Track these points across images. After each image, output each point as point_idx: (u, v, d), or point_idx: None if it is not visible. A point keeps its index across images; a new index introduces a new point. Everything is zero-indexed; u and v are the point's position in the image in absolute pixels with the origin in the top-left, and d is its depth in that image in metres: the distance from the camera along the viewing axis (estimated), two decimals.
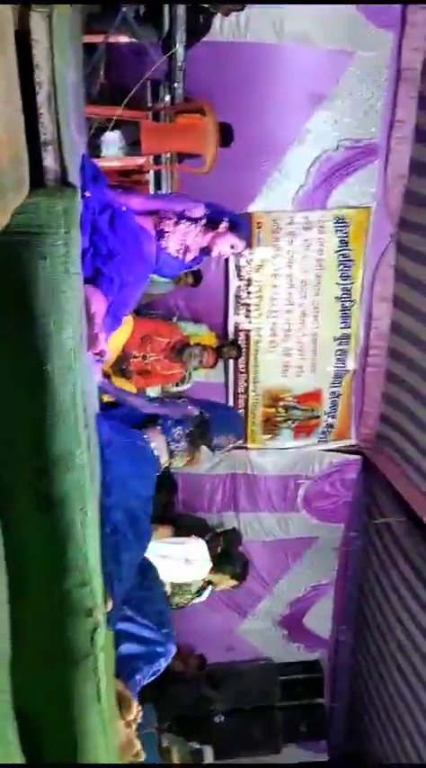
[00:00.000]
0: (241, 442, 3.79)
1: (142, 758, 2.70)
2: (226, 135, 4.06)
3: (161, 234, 2.83)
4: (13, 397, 1.72)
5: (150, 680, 2.91)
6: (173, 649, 2.98)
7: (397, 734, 5.85)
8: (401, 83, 4.75)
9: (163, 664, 2.95)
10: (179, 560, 3.76)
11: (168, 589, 3.72)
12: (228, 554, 4.35)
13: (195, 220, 2.89)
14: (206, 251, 2.91)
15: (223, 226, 2.99)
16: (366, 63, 4.74)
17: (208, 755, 6.21)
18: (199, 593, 3.87)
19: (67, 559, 1.85)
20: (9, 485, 1.78)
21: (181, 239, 2.85)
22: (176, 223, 2.87)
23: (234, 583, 4.02)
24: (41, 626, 1.92)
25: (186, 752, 5.90)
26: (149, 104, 4.10)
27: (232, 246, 3.02)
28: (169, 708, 5.54)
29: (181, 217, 2.88)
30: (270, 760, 6.98)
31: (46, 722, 1.96)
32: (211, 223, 2.88)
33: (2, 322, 1.63)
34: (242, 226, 3.11)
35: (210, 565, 3.91)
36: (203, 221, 2.88)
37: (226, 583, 3.99)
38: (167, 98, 4.03)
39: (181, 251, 2.87)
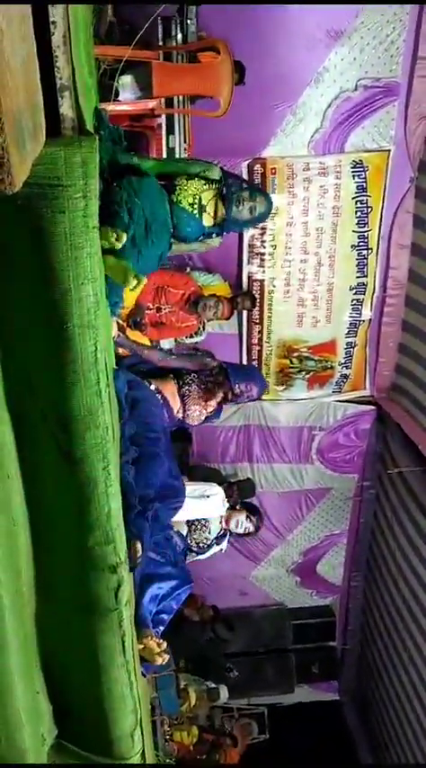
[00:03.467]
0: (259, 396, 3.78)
1: None
2: (238, 73, 3.89)
3: (172, 188, 2.74)
4: (33, 349, 1.68)
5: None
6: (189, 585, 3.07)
7: (408, 673, 6.01)
8: (424, 16, 4.50)
9: (183, 595, 3.04)
10: (196, 497, 3.79)
11: (184, 528, 3.75)
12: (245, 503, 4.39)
13: (210, 181, 2.80)
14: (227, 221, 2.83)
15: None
16: None
17: (224, 694, 6.42)
18: (218, 539, 3.90)
19: (91, 517, 1.85)
20: (34, 438, 1.77)
21: (194, 193, 2.76)
22: (189, 178, 2.78)
23: (249, 524, 4.05)
24: (68, 580, 1.94)
25: (202, 690, 6.10)
26: (160, 43, 3.92)
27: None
28: (184, 649, 5.69)
29: (194, 175, 2.80)
30: (283, 699, 7.23)
31: (73, 674, 2.00)
32: (225, 188, 2.80)
33: (22, 276, 1.59)
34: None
35: (227, 506, 3.94)
36: (218, 184, 2.80)
37: (239, 518, 4.02)
38: (179, 36, 3.85)
39: (196, 206, 2.77)
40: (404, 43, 4.63)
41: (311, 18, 4.59)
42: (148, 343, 4.18)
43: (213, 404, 3.38)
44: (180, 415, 3.29)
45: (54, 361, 1.65)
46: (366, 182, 5.13)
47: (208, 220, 2.82)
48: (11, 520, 1.72)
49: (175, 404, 3.24)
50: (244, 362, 5.71)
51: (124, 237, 2.12)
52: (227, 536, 4.03)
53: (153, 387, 3.13)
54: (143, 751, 2.10)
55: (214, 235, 2.94)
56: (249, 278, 5.42)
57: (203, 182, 2.77)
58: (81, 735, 2.05)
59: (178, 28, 3.82)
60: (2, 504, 1.64)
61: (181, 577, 3.00)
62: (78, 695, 1.99)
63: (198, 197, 2.74)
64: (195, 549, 3.84)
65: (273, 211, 5.08)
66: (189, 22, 3.77)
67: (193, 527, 3.80)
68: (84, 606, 1.92)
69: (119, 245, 2.08)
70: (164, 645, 2.69)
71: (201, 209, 2.76)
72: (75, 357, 1.64)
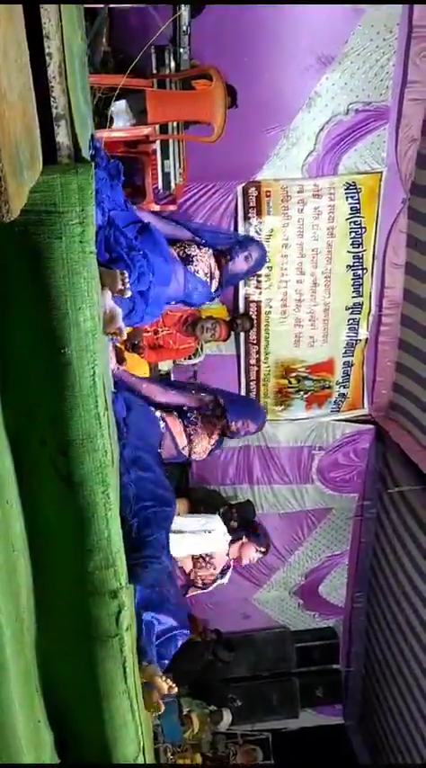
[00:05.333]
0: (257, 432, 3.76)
1: None
2: (230, 96, 3.96)
3: (189, 259, 2.81)
4: (31, 374, 1.69)
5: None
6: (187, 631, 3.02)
7: (412, 694, 5.94)
8: (413, 41, 4.58)
9: (180, 640, 2.99)
10: (197, 531, 3.75)
11: (189, 564, 3.72)
12: (247, 523, 4.37)
13: (207, 245, 2.90)
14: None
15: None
16: (376, 21, 4.56)
17: (227, 717, 6.32)
18: (222, 573, 3.87)
19: (91, 541, 1.85)
20: (33, 462, 1.77)
21: (208, 261, 2.85)
22: (200, 247, 2.87)
23: (259, 555, 4.03)
24: (68, 605, 1.92)
25: (205, 714, 6.01)
26: (153, 71, 3.98)
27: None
28: (185, 672, 5.62)
29: (196, 242, 2.90)
30: (288, 724, 7.12)
31: (74, 702, 1.98)
32: (218, 251, 2.90)
33: (19, 303, 1.60)
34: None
35: (229, 538, 3.91)
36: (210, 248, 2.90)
37: (250, 555, 3.99)
38: (172, 64, 3.91)
39: (209, 275, 2.86)
40: (394, 68, 4.71)
41: (302, 45, 4.67)
42: (147, 366, 4.20)
43: (216, 437, 3.39)
44: (186, 452, 3.29)
45: (52, 386, 1.65)
46: (359, 203, 5.19)
47: (214, 286, 2.90)
48: (10, 546, 1.71)
49: (182, 441, 3.25)
50: (243, 383, 5.72)
51: (128, 293, 2.14)
52: (230, 570, 4.00)
53: (158, 413, 3.14)
54: None
55: (216, 299, 3.07)
56: (246, 299, 5.45)
57: (206, 248, 2.85)
58: (83, 764, 2.02)
59: (171, 56, 3.88)
60: (1, 530, 1.64)
61: (179, 619, 2.95)
62: (80, 723, 1.97)
63: (210, 265, 2.81)
64: (200, 585, 3.81)
65: (269, 233, 5.20)
66: (182, 50, 3.83)
67: (198, 564, 3.77)
68: (84, 632, 1.91)
69: (127, 293, 2.09)
70: (175, 689, 2.63)
71: (212, 276, 2.84)
72: (74, 381, 1.64)
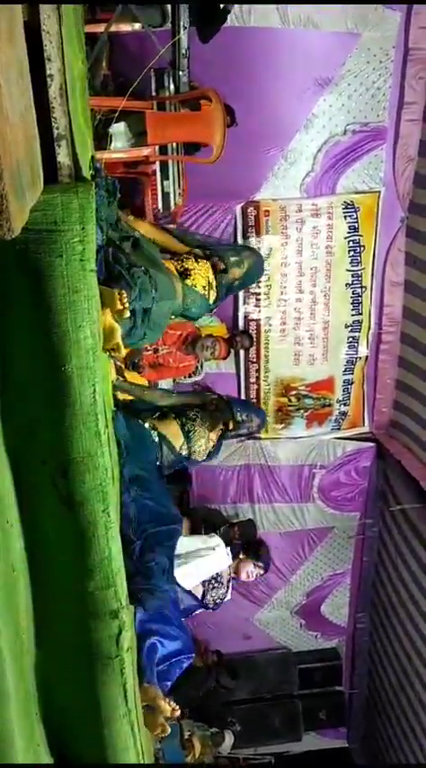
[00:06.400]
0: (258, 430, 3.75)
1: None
2: (229, 115, 4.00)
3: (186, 273, 2.80)
4: (32, 392, 1.69)
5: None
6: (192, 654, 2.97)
7: (417, 716, 5.85)
8: (409, 63, 4.66)
9: (185, 663, 2.94)
10: (202, 552, 3.72)
11: (199, 590, 3.67)
12: (250, 542, 4.34)
13: (205, 257, 2.89)
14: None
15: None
16: (372, 44, 4.63)
17: (229, 739, 6.22)
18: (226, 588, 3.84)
19: (91, 561, 1.83)
20: (33, 482, 1.76)
21: (206, 275, 2.84)
22: (197, 260, 2.86)
23: (257, 570, 3.99)
24: (68, 627, 1.90)
25: (206, 737, 5.91)
26: (153, 93, 4.03)
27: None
28: (188, 698, 5.54)
29: (195, 254, 2.89)
30: (291, 747, 7.01)
31: (74, 726, 1.95)
32: (215, 259, 2.89)
33: (20, 321, 1.60)
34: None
35: (231, 555, 3.88)
36: (211, 258, 2.89)
37: (248, 569, 3.96)
38: (171, 87, 3.95)
39: (207, 287, 2.85)
40: (390, 89, 4.78)
41: (300, 68, 4.74)
42: (147, 384, 4.19)
43: (216, 435, 3.35)
44: (184, 452, 3.25)
45: (53, 404, 1.65)
46: (357, 222, 5.23)
47: (212, 297, 2.90)
48: (10, 566, 1.70)
49: (178, 441, 3.21)
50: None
51: (127, 313, 2.12)
52: (231, 584, 3.97)
53: (147, 424, 3.09)
54: None
55: (213, 311, 3.06)
56: (245, 318, 5.47)
57: (204, 261, 2.85)
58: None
59: (170, 79, 3.93)
60: (1, 550, 1.62)
61: (183, 643, 2.91)
62: (80, 748, 1.94)
63: (208, 279, 2.82)
64: (212, 606, 3.77)
65: (267, 252, 5.22)
66: (181, 73, 3.88)
67: (210, 585, 3.74)
68: (84, 653, 1.88)
69: (126, 314, 2.08)
70: (178, 711, 2.57)
71: (210, 289, 2.84)
72: (74, 399, 1.64)
